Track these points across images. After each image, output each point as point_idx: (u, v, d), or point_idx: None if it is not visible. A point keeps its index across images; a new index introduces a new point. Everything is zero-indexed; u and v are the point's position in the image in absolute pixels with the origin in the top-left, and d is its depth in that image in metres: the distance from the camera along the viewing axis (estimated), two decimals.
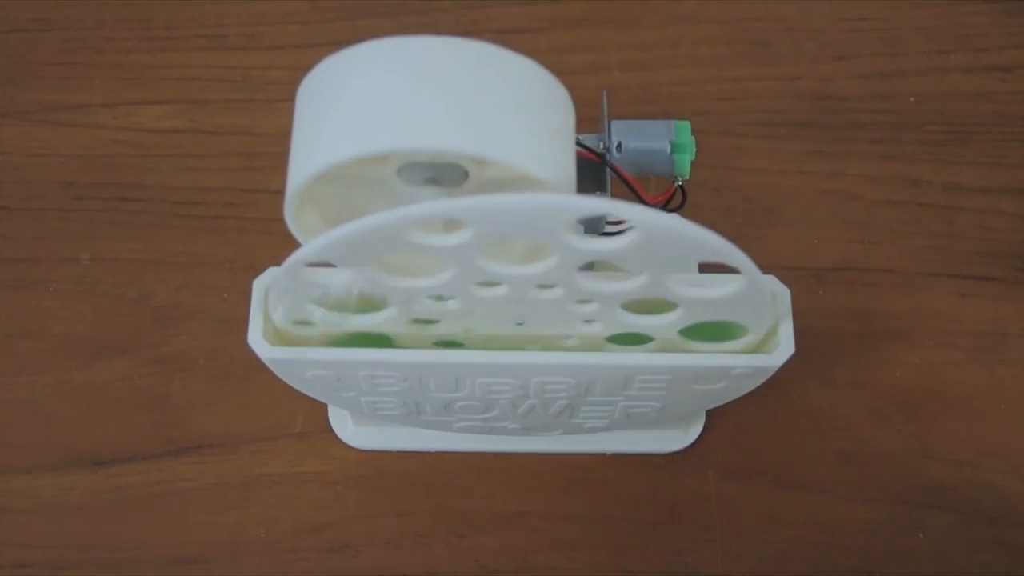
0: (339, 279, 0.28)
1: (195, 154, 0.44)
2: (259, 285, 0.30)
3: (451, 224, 0.26)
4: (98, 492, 0.39)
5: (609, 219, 0.32)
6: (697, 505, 0.39)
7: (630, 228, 0.25)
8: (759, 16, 0.47)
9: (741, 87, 0.46)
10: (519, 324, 0.30)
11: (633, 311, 0.29)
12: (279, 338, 0.31)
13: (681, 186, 0.33)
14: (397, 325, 0.30)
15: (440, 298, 0.29)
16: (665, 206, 0.33)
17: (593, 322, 0.30)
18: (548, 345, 0.31)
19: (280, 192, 0.27)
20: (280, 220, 0.28)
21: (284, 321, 0.30)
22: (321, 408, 0.39)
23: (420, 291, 0.28)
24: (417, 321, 0.30)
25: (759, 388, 0.32)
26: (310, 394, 0.33)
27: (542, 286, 0.28)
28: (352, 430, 0.39)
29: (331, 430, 0.39)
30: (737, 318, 0.30)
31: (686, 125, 0.33)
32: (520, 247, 0.30)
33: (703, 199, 0.43)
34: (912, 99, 0.46)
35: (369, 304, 0.29)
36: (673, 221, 0.24)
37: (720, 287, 0.28)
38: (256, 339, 0.30)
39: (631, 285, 0.28)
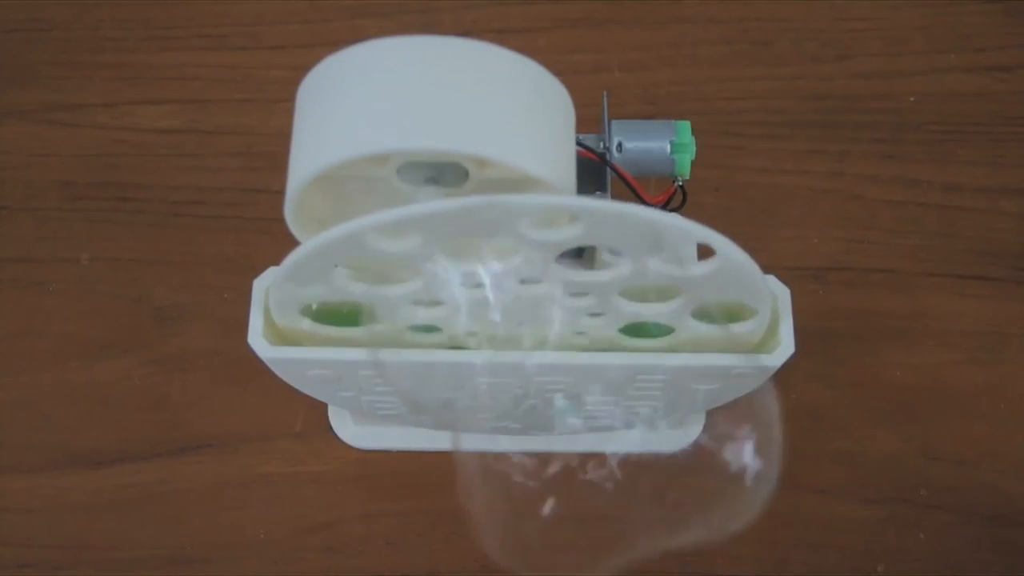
0: (407, 246, 0.27)
1: (195, 154, 0.44)
2: (259, 285, 0.30)
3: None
4: (98, 492, 0.39)
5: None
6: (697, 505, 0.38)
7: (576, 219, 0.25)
8: (759, 16, 0.47)
9: (741, 87, 0.46)
10: (519, 324, 0.30)
11: (634, 299, 0.29)
12: (279, 338, 0.31)
13: (681, 186, 0.33)
14: (399, 303, 0.30)
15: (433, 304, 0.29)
16: (665, 206, 0.33)
17: (598, 315, 0.30)
18: (559, 344, 0.31)
19: (280, 192, 0.27)
20: (280, 220, 0.28)
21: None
22: (321, 408, 0.39)
23: (399, 298, 0.28)
24: (418, 303, 0.30)
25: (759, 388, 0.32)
26: (310, 394, 0.33)
27: (525, 282, 0.28)
28: (352, 430, 0.39)
29: (331, 430, 0.39)
30: (735, 296, 0.30)
31: (686, 125, 0.33)
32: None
33: (703, 199, 0.43)
34: (912, 99, 0.46)
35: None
36: (609, 205, 0.25)
37: (702, 265, 0.28)
38: (256, 339, 0.30)
39: (657, 309, 0.28)
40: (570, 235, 0.26)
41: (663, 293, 0.29)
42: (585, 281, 0.28)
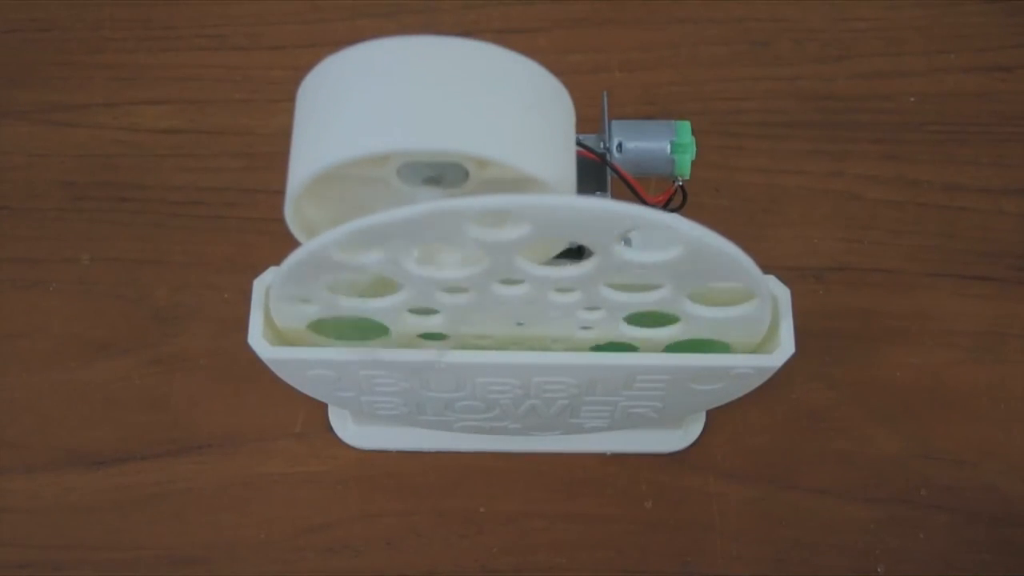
0: (371, 259, 0.27)
1: (195, 154, 0.44)
2: (259, 285, 0.30)
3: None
4: (98, 492, 0.39)
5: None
6: (697, 505, 0.39)
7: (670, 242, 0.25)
8: (759, 16, 0.47)
9: (741, 87, 0.46)
10: (520, 324, 0.30)
11: (633, 323, 0.29)
12: (279, 338, 0.31)
13: (681, 186, 0.33)
14: (395, 313, 0.29)
15: (454, 291, 0.29)
16: (665, 206, 0.33)
17: (589, 329, 0.30)
18: (535, 346, 0.31)
19: (280, 192, 0.27)
20: (280, 220, 0.28)
21: (282, 301, 0.30)
22: (321, 408, 0.39)
23: (442, 282, 0.28)
24: (413, 311, 0.29)
25: (759, 388, 0.32)
26: (310, 394, 0.33)
27: (561, 289, 0.28)
28: (352, 430, 0.39)
29: (331, 430, 0.39)
30: (732, 337, 0.30)
31: (686, 125, 0.33)
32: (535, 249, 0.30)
33: (703, 199, 0.43)
34: (912, 99, 0.46)
35: (377, 288, 0.29)
36: (724, 243, 0.25)
37: (732, 309, 0.29)
38: (256, 339, 0.30)
39: (650, 298, 0.28)
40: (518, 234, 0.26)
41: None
42: (561, 277, 0.27)
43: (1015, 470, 0.39)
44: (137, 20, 0.47)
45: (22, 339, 0.41)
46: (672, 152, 0.33)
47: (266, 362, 0.30)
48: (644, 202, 0.32)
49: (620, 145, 0.33)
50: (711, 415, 0.39)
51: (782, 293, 0.30)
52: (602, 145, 0.33)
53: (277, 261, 0.28)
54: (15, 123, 0.45)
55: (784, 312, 0.30)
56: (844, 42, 0.47)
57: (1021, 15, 0.47)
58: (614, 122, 0.33)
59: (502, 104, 0.26)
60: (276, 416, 0.40)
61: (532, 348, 0.31)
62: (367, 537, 0.38)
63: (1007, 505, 0.39)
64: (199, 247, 0.43)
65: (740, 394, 0.33)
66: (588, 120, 0.31)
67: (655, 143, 0.33)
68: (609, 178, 0.32)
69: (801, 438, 0.40)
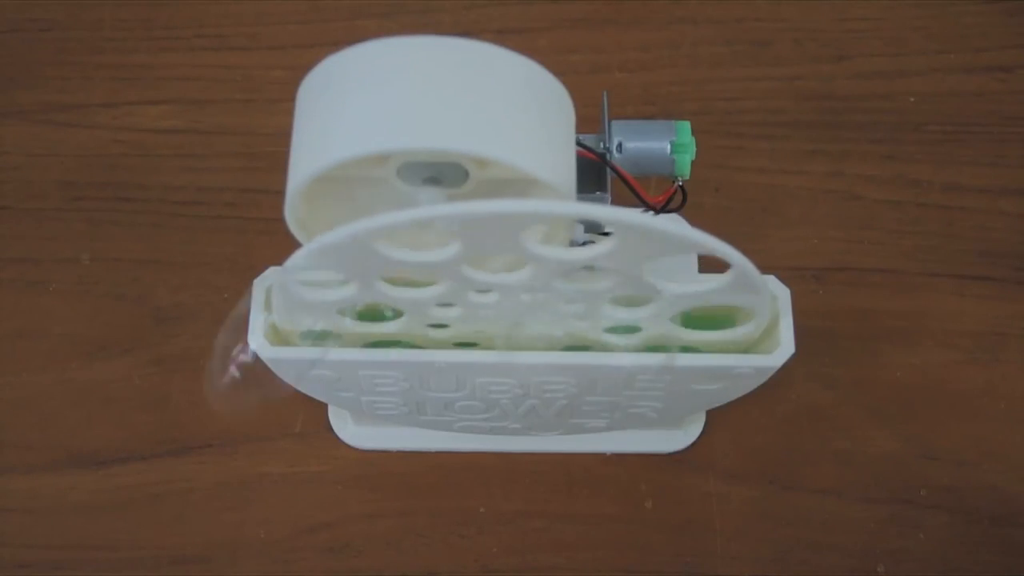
0: (344, 294, 0.28)
1: (195, 154, 0.44)
2: (259, 285, 0.30)
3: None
4: (98, 492, 0.39)
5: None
6: (697, 505, 0.39)
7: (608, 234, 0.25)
8: (759, 16, 0.47)
9: (741, 87, 0.46)
10: (517, 324, 0.30)
11: (620, 304, 0.29)
12: (279, 338, 0.31)
13: (681, 186, 0.33)
14: (414, 330, 0.30)
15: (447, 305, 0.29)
16: (665, 206, 0.33)
17: (584, 319, 0.30)
18: (551, 342, 0.31)
19: (280, 192, 0.27)
20: (280, 220, 0.28)
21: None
22: (321, 408, 0.39)
23: (423, 301, 0.28)
24: (432, 326, 0.30)
25: (759, 388, 0.32)
26: (310, 394, 0.33)
27: (529, 291, 0.28)
28: (352, 430, 0.39)
29: (331, 430, 0.39)
30: (730, 302, 0.30)
31: (686, 125, 0.33)
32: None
33: (703, 199, 0.43)
34: (912, 99, 0.46)
35: (372, 313, 0.29)
36: (643, 220, 0.24)
37: (704, 283, 0.28)
38: (256, 339, 0.30)
39: (605, 284, 0.28)
40: (600, 251, 0.26)
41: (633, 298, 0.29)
42: (585, 289, 0.28)
43: (1015, 470, 0.39)
44: (137, 20, 0.47)
45: (22, 339, 0.41)
46: (672, 152, 0.33)
47: (266, 362, 0.30)
48: (644, 202, 0.32)
49: (620, 145, 0.32)
50: (711, 415, 0.39)
51: (782, 293, 0.30)
52: (602, 145, 0.33)
53: (277, 261, 0.28)
54: (15, 123, 0.45)
55: (784, 312, 0.30)
56: (844, 42, 0.47)
57: (1021, 15, 0.47)
58: (614, 122, 0.33)
59: (502, 104, 0.26)
60: (276, 416, 0.40)
61: (548, 344, 0.31)
62: (367, 537, 0.38)
63: (1007, 505, 0.39)
64: (199, 247, 0.43)
65: (740, 394, 0.33)
66: (588, 120, 0.31)
67: (655, 143, 0.33)
68: (609, 178, 0.32)
69: (801, 438, 0.40)
